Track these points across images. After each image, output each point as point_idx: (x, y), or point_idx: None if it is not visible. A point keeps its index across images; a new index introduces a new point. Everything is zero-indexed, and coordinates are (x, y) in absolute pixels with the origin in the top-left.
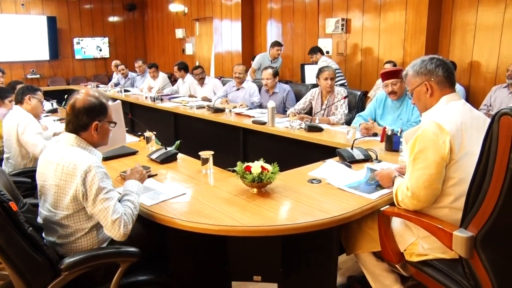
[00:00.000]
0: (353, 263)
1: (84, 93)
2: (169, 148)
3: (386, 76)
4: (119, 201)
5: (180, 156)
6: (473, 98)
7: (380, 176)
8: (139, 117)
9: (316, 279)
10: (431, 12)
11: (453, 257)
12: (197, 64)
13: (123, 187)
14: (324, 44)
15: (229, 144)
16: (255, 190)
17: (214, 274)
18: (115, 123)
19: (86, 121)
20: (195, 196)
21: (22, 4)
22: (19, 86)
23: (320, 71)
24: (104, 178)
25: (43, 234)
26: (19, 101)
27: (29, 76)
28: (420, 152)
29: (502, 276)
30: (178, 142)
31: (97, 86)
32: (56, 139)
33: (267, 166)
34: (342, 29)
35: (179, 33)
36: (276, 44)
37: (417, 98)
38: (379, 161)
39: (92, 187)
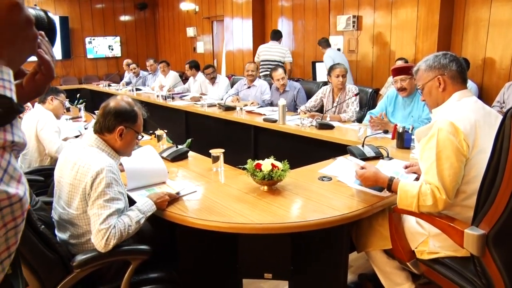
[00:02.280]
0: (364, 260)
1: (120, 98)
2: (180, 146)
3: (396, 72)
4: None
5: (191, 154)
6: (486, 95)
7: (364, 179)
8: (151, 115)
9: (327, 276)
10: (443, 8)
11: (464, 255)
12: (215, 62)
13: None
14: (335, 41)
15: (240, 142)
16: (265, 187)
17: (224, 271)
18: (143, 136)
19: (112, 123)
20: (205, 193)
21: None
22: None
23: (332, 68)
24: (113, 184)
25: (56, 231)
26: (41, 101)
27: None
28: (441, 152)
29: None
30: (189, 140)
31: (109, 85)
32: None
33: (277, 163)
34: (354, 26)
35: (190, 31)
36: None
37: (428, 94)
38: (390, 159)
39: (97, 189)
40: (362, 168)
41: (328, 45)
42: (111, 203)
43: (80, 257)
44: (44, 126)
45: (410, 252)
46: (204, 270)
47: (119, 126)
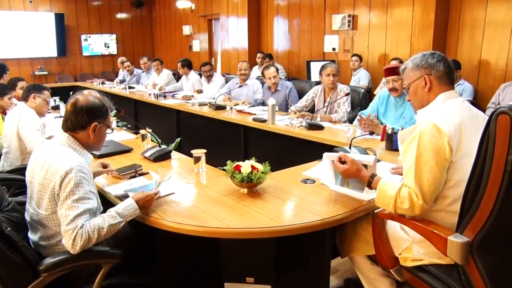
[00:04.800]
0: (351, 265)
1: (87, 93)
2: (163, 146)
3: (387, 72)
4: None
5: (174, 154)
6: (481, 96)
7: (347, 175)
8: (143, 114)
9: (309, 281)
10: (439, 8)
11: (449, 262)
12: (212, 60)
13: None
14: (331, 40)
15: (230, 142)
16: (245, 190)
17: (206, 274)
18: (113, 129)
19: (86, 120)
20: (184, 195)
21: (30, 1)
22: (21, 84)
23: (323, 67)
24: (83, 183)
25: (28, 233)
26: (24, 99)
27: (37, 73)
28: (421, 155)
29: (499, 284)
30: (178, 139)
31: (103, 83)
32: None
33: (257, 165)
34: (349, 25)
35: (186, 29)
36: None
37: (413, 94)
38: (378, 161)
39: (66, 189)
40: (342, 161)
41: None
42: (80, 203)
43: (47, 261)
44: (25, 124)
45: (394, 258)
46: (184, 274)
47: (93, 123)
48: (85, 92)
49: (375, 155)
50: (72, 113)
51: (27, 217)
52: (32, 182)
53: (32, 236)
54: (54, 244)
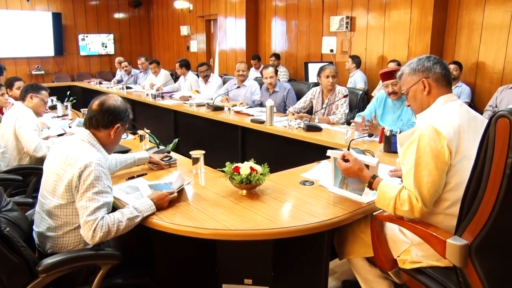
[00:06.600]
0: (349, 267)
1: (112, 95)
2: (161, 147)
3: (385, 76)
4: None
5: (173, 155)
6: (478, 99)
7: (348, 173)
8: (141, 114)
9: (307, 283)
10: (436, 11)
11: (447, 265)
12: (210, 61)
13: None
14: (328, 42)
15: (228, 143)
16: (244, 191)
17: (204, 276)
18: (127, 135)
19: (111, 120)
20: (182, 196)
21: (27, 0)
22: (18, 83)
23: (322, 68)
24: (102, 177)
25: (34, 226)
26: (21, 98)
27: (33, 72)
28: (420, 158)
29: (497, 286)
30: (175, 140)
31: (100, 83)
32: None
33: (256, 167)
34: (347, 27)
35: (184, 30)
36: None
37: (413, 98)
38: None
39: (85, 182)
40: (345, 159)
41: None
42: (100, 196)
43: (46, 261)
44: (22, 123)
45: (392, 260)
46: (182, 275)
47: (117, 124)
48: (110, 95)
49: (373, 156)
50: (98, 112)
51: (37, 208)
52: (46, 172)
53: (39, 228)
54: (61, 235)
